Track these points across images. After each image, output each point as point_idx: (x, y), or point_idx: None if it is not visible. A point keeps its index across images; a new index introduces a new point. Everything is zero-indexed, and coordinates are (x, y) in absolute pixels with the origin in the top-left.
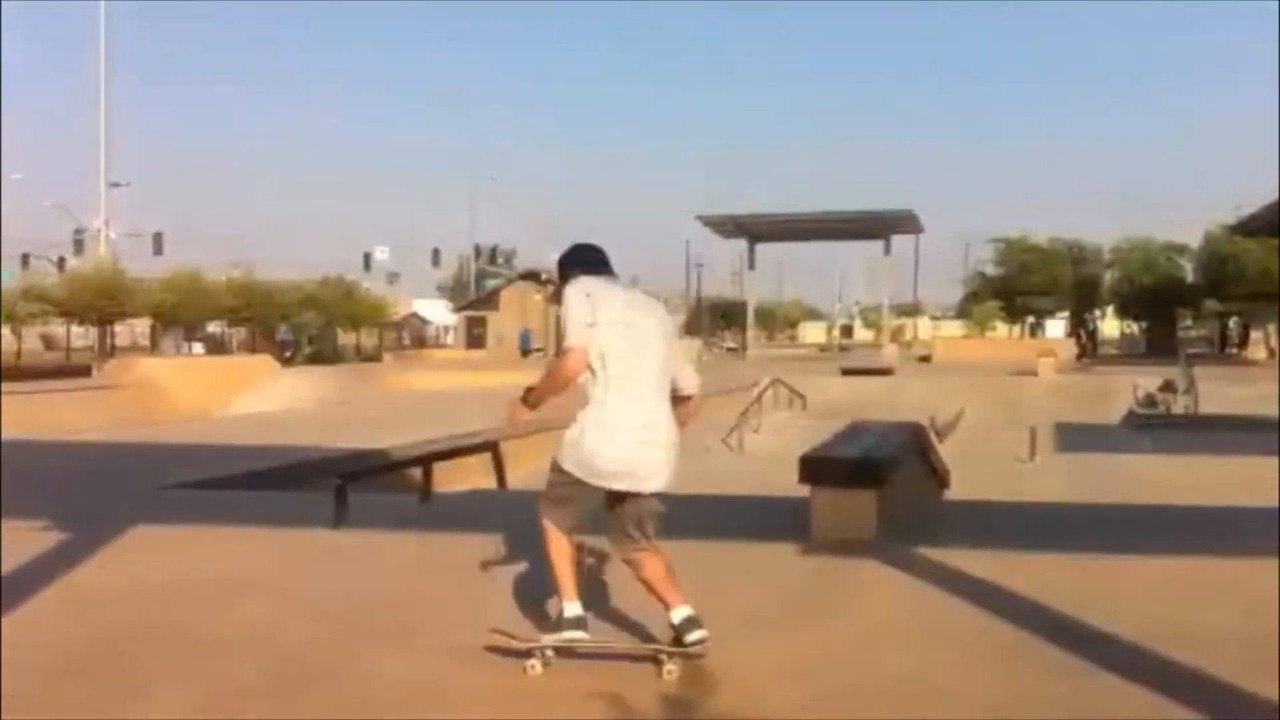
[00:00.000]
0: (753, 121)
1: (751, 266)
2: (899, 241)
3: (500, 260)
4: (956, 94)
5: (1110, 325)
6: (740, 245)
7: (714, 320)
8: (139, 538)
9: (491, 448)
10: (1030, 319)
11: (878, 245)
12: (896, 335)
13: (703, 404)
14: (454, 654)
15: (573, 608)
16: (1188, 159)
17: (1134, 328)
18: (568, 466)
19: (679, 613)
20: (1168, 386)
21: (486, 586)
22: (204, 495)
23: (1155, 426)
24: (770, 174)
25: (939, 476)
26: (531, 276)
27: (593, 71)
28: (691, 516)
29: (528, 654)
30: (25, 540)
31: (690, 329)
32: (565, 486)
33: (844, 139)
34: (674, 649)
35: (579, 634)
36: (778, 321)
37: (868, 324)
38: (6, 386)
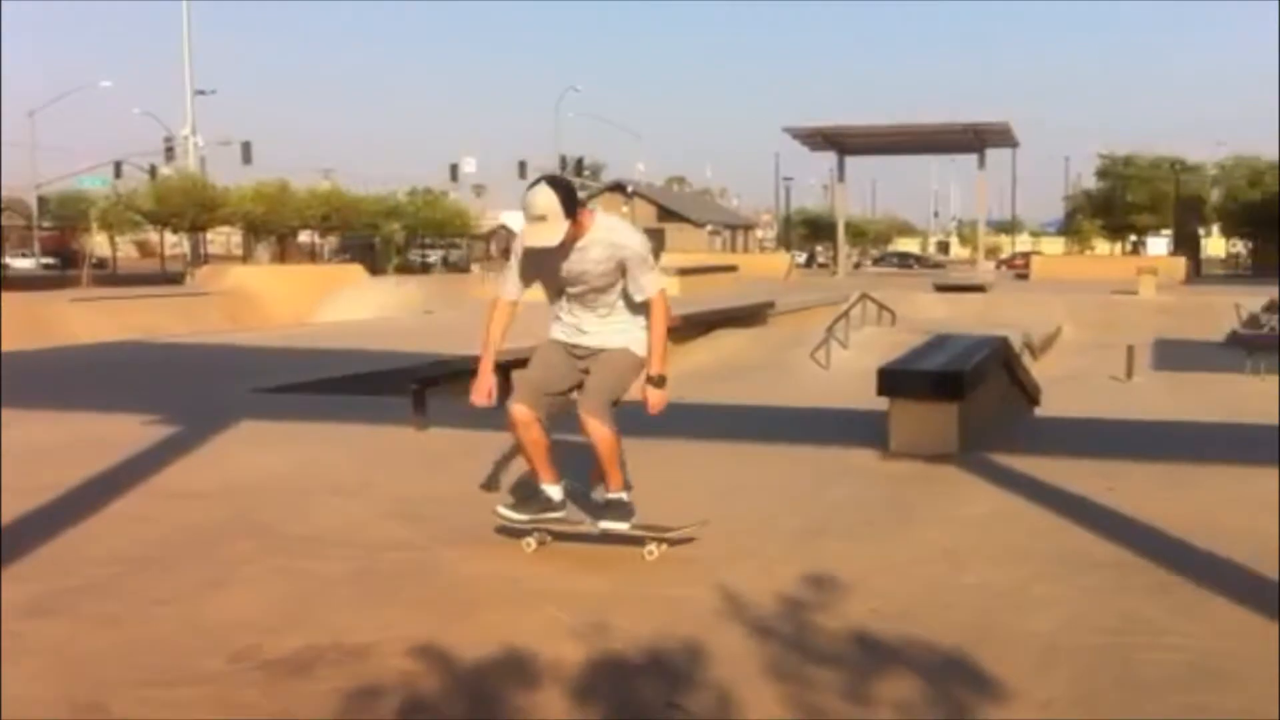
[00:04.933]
0: (845, 32)
1: (841, 179)
2: (998, 157)
3: (587, 173)
4: (1058, 9)
5: (1215, 245)
6: (830, 159)
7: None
8: (228, 438)
9: None
10: (1132, 237)
11: (973, 160)
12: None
13: None
14: (534, 554)
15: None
16: None
17: (1240, 247)
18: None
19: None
20: (1271, 306)
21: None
22: (291, 399)
23: (1258, 346)
24: (861, 86)
25: (1027, 392)
26: (619, 189)
27: None
28: (773, 426)
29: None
30: (113, 434)
31: (781, 244)
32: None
33: (941, 52)
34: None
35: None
36: (870, 238)
37: (964, 240)
38: (103, 291)
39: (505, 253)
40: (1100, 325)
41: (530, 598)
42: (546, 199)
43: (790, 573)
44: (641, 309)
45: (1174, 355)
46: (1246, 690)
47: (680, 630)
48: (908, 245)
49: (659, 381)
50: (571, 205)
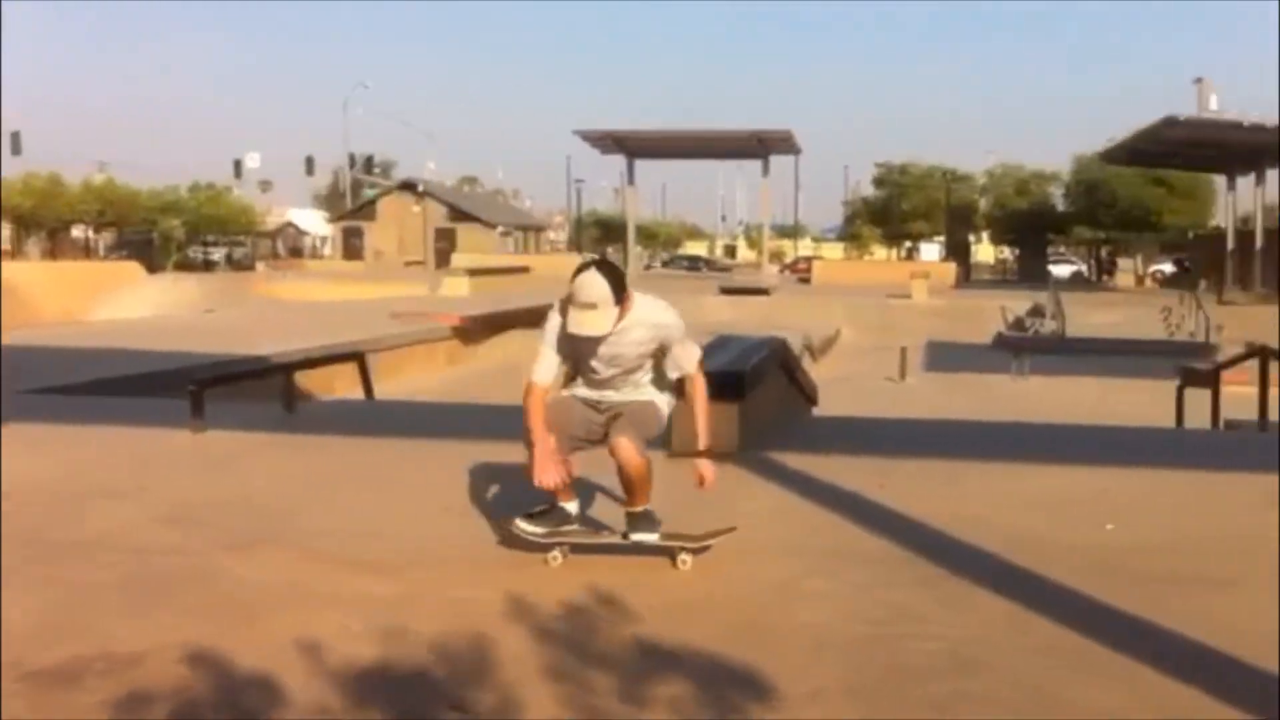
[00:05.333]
0: (636, 37)
1: (631, 182)
2: (782, 164)
3: (377, 170)
4: (841, 22)
5: (985, 251)
6: (620, 162)
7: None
8: None
9: (357, 358)
10: (908, 243)
11: (759, 166)
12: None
13: None
14: (316, 558)
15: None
16: (1066, 87)
17: (1007, 253)
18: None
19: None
20: (1036, 310)
21: (346, 491)
22: (63, 400)
23: (1022, 349)
24: (653, 93)
25: (805, 393)
26: (409, 187)
27: None
28: None
29: (547, 547)
30: None
31: (573, 246)
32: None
33: (729, 62)
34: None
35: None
36: (660, 241)
37: (750, 244)
38: None
39: (294, 252)
40: (877, 328)
41: (311, 602)
42: (598, 287)
43: (572, 574)
44: (664, 382)
45: (945, 357)
46: (1001, 676)
47: (465, 633)
48: (696, 249)
49: (710, 455)
50: (620, 291)
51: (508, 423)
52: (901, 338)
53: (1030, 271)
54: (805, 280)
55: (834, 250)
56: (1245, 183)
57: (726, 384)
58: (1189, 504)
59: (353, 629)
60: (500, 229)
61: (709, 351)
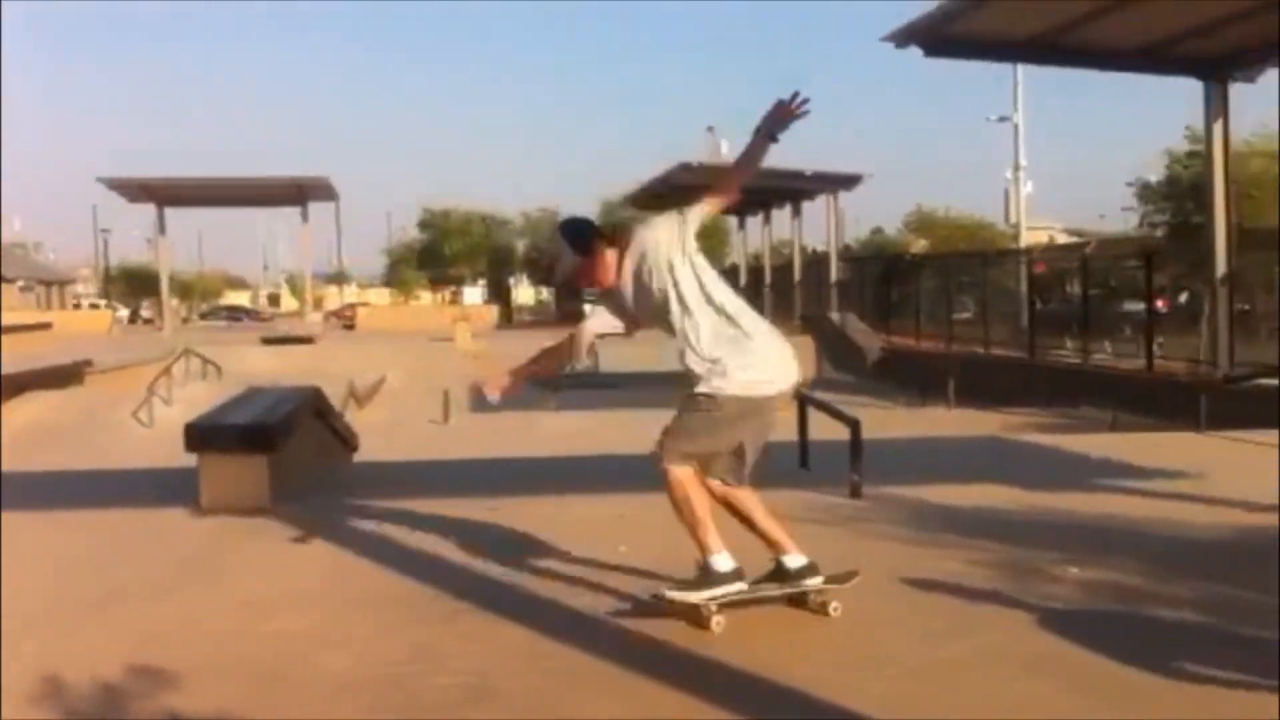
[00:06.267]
0: (166, 80)
1: (163, 232)
2: (324, 211)
3: None
4: (371, 68)
5: (525, 293)
6: (150, 211)
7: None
8: None
9: None
10: (452, 286)
11: (298, 213)
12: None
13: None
14: None
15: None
16: (598, 136)
17: (546, 294)
18: None
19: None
20: None
21: None
22: None
23: (561, 385)
24: (187, 139)
25: (345, 440)
26: None
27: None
28: (81, 490)
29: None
30: None
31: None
32: None
33: (264, 107)
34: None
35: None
36: (199, 292)
37: (295, 292)
38: None
39: None
40: (422, 372)
41: None
42: (554, 243)
43: (83, 643)
44: (750, 334)
45: (488, 397)
46: (515, 702)
47: None
48: (239, 299)
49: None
50: (580, 240)
51: (36, 490)
52: (446, 381)
53: (569, 311)
54: (350, 327)
55: (381, 296)
56: (755, 222)
57: (254, 437)
58: None
59: None
60: (20, 284)
61: (238, 405)
